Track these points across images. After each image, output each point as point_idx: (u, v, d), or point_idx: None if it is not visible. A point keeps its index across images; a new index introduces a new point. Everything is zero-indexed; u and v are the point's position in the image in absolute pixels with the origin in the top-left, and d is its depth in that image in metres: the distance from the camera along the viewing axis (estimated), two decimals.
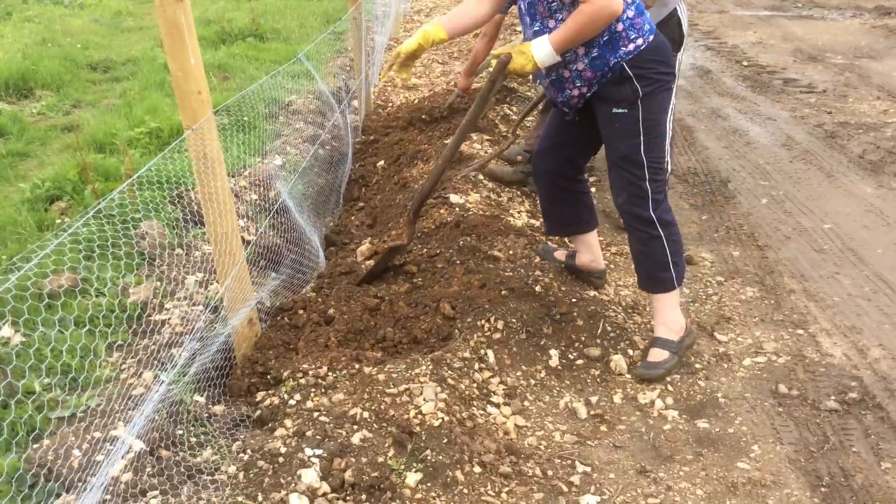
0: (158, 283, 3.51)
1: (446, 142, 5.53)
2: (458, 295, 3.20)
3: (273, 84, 6.88)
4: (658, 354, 3.08)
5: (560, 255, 3.67)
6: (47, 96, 6.74)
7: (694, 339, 3.20)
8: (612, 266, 3.90)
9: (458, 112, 5.93)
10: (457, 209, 4.07)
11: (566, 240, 4.10)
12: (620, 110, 2.93)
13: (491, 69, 3.19)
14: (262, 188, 4.72)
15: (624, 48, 2.86)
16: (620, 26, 2.84)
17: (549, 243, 3.90)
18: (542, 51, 2.83)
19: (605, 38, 2.84)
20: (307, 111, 6.28)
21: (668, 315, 3.13)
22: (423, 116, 5.98)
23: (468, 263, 3.45)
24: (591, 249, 3.53)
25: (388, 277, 3.61)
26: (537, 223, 4.21)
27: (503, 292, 3.20)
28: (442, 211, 4.09)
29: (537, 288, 3.28)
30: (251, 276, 3.10)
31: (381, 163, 5.60)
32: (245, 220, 4.17)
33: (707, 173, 5.14)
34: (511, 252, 3.54)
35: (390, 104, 7.14)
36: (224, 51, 7.93)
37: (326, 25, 10.01)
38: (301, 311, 3.32)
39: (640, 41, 2.87)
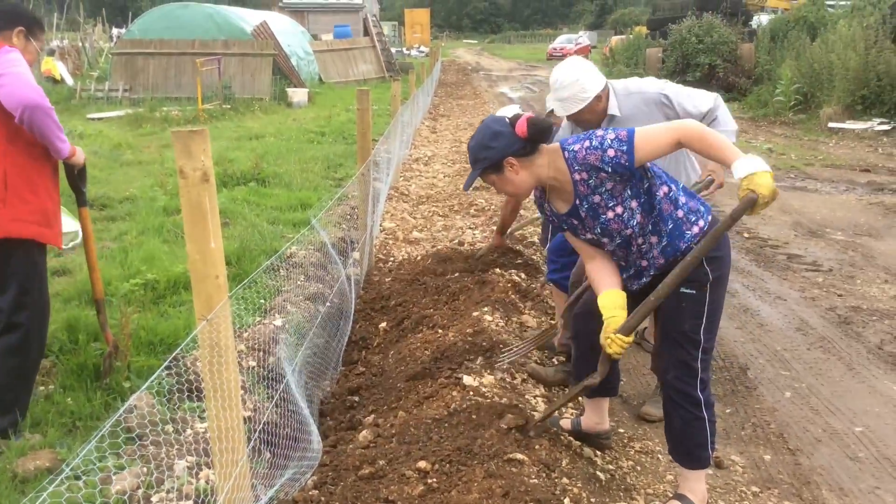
0: (145, 469, 3.19)
1: (450, 308, 5.34)
2: None
3: (274, 233, 6.75)
4: None
5: (566, 423, 3.69)
6: None
7: None
8: (637, 468, 3.61)
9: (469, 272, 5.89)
10: (470, 393, 3.80)
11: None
12: (689, 290, 2.94)
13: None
14: (260, 353, 4.46)
15: (689, 231, 2.94)
16: (681, 213, 2.94)
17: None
18: (758, 162, 2.79)
19: (669, 227, 2.92)
20: (308, 264, 6.11)
21: (696, 486, 3.20)
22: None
23: (488, 465, 3.15)
24: (600, 413, 3.64)
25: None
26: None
27: None
28: (454, 393, 3.82)
29: (566, 500, 2.98)
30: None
31: (384, 324, 5.37)
32: (242, 391, 3.88)
33: (724, 357, 4.95)
34: (533, 455, 3.25)
35: (391, 259, 6.99)
36: (225, 194, 7.85)
37: (327, 171, 10.05)
38: None
39: (701, 223, 2.96)
